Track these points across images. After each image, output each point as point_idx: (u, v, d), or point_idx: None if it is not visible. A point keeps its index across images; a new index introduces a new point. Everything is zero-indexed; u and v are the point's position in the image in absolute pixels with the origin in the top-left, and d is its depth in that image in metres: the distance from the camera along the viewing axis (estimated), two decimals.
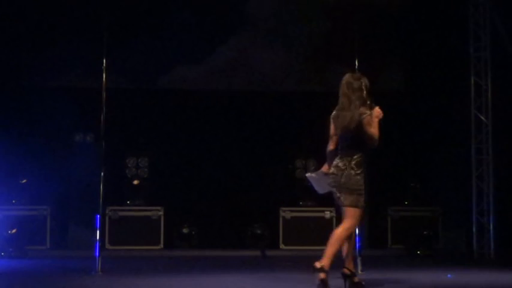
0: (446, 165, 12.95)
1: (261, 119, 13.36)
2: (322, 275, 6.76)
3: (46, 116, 12.66)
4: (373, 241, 12.46)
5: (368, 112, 6.98)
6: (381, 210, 12.80)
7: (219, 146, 13.25)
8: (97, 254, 8.74)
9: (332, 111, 7.31)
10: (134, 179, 12.73)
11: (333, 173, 7.10)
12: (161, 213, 12.48)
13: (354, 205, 7.00)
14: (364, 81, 7.12)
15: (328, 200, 12.43)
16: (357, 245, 9.02)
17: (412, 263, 10.74)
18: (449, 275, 8.60)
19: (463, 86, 12.15)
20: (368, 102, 7.03)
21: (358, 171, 7.02)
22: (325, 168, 7.39)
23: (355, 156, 7.02)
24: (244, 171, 13.24)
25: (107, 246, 12.12)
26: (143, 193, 12.71)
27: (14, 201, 12.06)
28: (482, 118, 12.01)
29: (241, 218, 12.98)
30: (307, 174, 7.72)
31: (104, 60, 9.08)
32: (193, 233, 12.72)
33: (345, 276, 7.11)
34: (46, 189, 12.15)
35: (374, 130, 6.97)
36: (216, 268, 9.92)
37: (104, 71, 9.07)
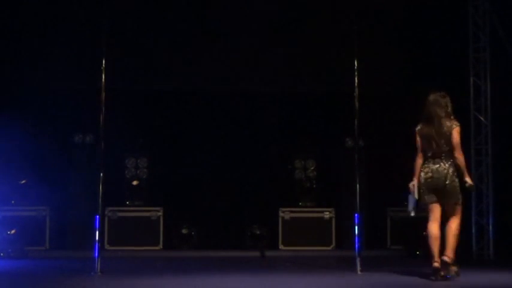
0: None
1: (260, 119, 13.36)
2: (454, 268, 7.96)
3: (45, 116, 12.66)
4: (373, 242, 12.45)
5: (457, 123, 8.08)
6: (381, 211, 12.79)
7: (219, 147, 13.24)
8: (96, 254, 8.74)
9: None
10: (133, 180, 12.74)
11: (431, 177, 8.03)
12: (160, 213, 12.49)
13: (460, 202, 8.07)
14: (448, 99, 8.25)
15: (327, 201, 12.36)
16: (356, 246, 9.03)
17: (412, 263, 10.71)
18: (448, 276, 8.57)
19: (463, 86, 12.14)
20: (451, 117, 8.12)
21: (456, 174, 8.02)
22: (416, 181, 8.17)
23: (451, 161, 8.04)
24: (243, 172, 13.23)
25: (106, 246, 12.12)
26: (142, 194, 12.73)
27: (13, 202, 12.06)
28: (482, 119, 12.01)
29: (240, 219, 12.98)
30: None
31: (103, 61, 9.08)
32: (192, 233, 12.73)
33: (444, 264, 7.89)
34: (45, 189, 12.16)
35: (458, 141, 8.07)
36: (216, 269, 9.92)
37: (103, 72, 9.07)
